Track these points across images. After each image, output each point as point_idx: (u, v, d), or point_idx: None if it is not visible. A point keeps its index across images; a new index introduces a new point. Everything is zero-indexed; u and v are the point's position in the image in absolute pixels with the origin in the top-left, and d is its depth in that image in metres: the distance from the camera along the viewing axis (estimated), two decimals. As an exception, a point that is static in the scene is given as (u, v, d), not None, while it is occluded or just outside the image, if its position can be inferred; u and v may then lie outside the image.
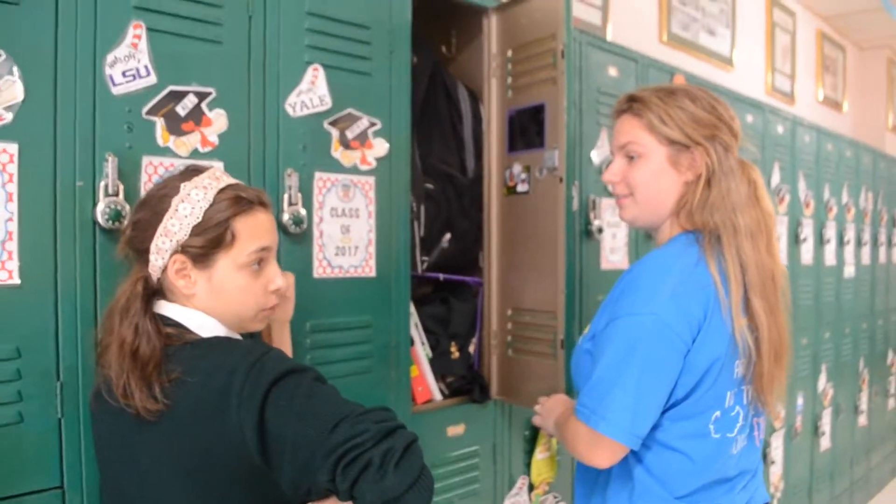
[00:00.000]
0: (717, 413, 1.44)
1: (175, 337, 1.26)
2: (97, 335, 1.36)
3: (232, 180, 1.33)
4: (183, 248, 1.26)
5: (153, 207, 1.28)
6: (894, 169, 5.47)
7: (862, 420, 4.84)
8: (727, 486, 1.49)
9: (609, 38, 3.46)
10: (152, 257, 1.28)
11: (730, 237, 1.42)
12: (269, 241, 1.34)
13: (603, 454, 1.41)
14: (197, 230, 1.26)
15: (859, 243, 4.76)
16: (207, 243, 1.27)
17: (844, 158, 4.60)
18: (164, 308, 1.30)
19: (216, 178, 1.31)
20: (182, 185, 1.27)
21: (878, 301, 5.07)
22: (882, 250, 5.16)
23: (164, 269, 1.28)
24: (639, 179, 1.50)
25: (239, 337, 1.36)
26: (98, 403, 1.30)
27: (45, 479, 1.39)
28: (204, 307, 1.31)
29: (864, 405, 4.84)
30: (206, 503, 1.20)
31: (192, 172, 1.32)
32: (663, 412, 1.42)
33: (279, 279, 1.37)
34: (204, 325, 1.30)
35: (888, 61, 6.49)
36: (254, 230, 1.31)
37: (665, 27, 3.91)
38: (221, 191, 1.28)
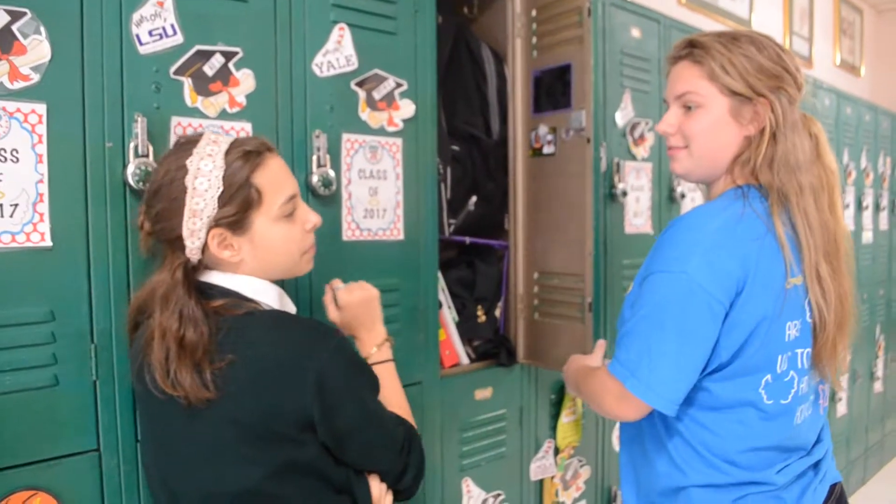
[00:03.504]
0: (768, 377, 1.36)
1: (229, 306, 1.24)
2: (127, 316, 1.35)
3: (229, 138, 1.30)
4: (217, 222, 1.24)
5: (168, 194, 1.24)
6: (913, 133, 5.40)
7: (878, 386, 4.82)
8: (781, 456, 1.42)
9: (628, -1, 3.41)
10: (188, 242, 1.24)
11: (797, 197, 1.35)
12: (293, 187, 1.33)
13: (632, 409, 1.36)
14: (223, 199, 1.23)
15: (877, 208, 4.71)
16: (239, 208, 1.25)
17: (863, 122, 4.53)
18: (214, 277, 1.29)
19: (214, 141, 1.27)
20: (187, 161, 1.23)
21: (896, 268, 5.04)
22: (901, 215, 5.11)
23: (204, 248, 1.26)
24: (696, 131, 1.41)
25: (292, 306, 1.39)
26: (141, 386, 1.28)
27: (82, 441, 1.39)
28: (254, 268, 1.30)
29: (879, 372, 4.82)
30: (260, 457, 1.21)
31: (186, 145, 1.27)
32: (708, 374, 1.36)
33: (312, 216, 1.37)
34: (258, 290, 1.30)
35: (906, 24, 6.39)
36: (275, 181, 1.29)
37: (684, -11, 3.85)
38: (227, 152, 1.25)
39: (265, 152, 1.30)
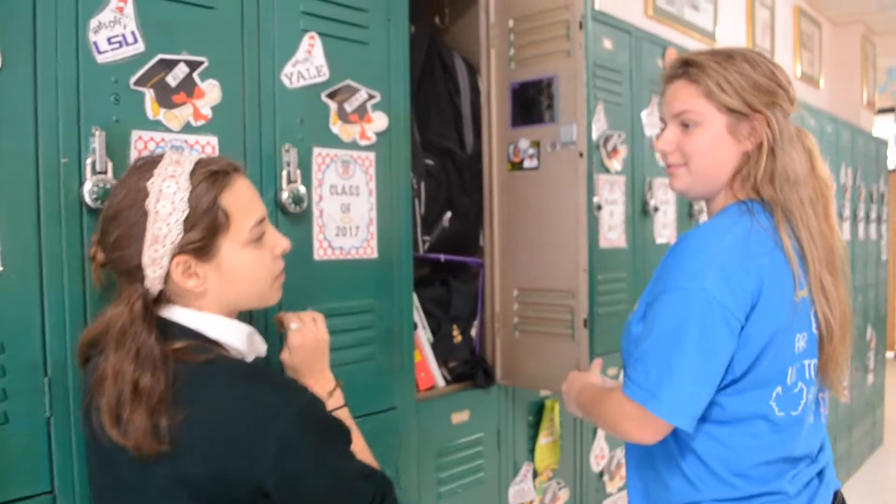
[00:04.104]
0: (779, 389, 1.38)
1: (190, 351, 1.14)
2: (78, 349, 1.24)
3: (193, 157, 1.20)
4: (181, 248, 1.14)
5: (127, 219, 1.13)
6: (871, 145, 5.46)
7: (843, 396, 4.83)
8: (791, 465, 1.43)
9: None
10: (148, 271, 1.14)
11: (799, 210, 1.37)
12: (262, 210, 1.24)
13: (651, 432, 1.36)
14: (188, 224, 1.13)
15: (840, 219, 4.74)
16: (206, 233, 1.15)
17: (825, 134, 4.57)
18: (176, 314, 1.19)
19: (176, 161, 1.17)
20: (147, 184, 1.13)
21: (857, 277, 5.06)
22: (861, 226, 5.15)
23: (166, 277, 1.15)
24: (695, 149, 1.43)
25: (262, 345, 1.29)
26: (87, 430, 1.18)
27: (34, 483, 1.27)
28: (220, 299, 1.21)
29: (845, 381, 4.84)
30: None
31: (146, 166, 1.17)
32: (720, 390, 1.36)
33: (282, 240, 1.28)
34: (224, 331, 1.21)
35: (862, 37, 6.49)
36: (243, 203, 1.20)
37: (650, 0, 3.83)
38: (192, 173, 1.15)
39: (232, 172, 1.20)
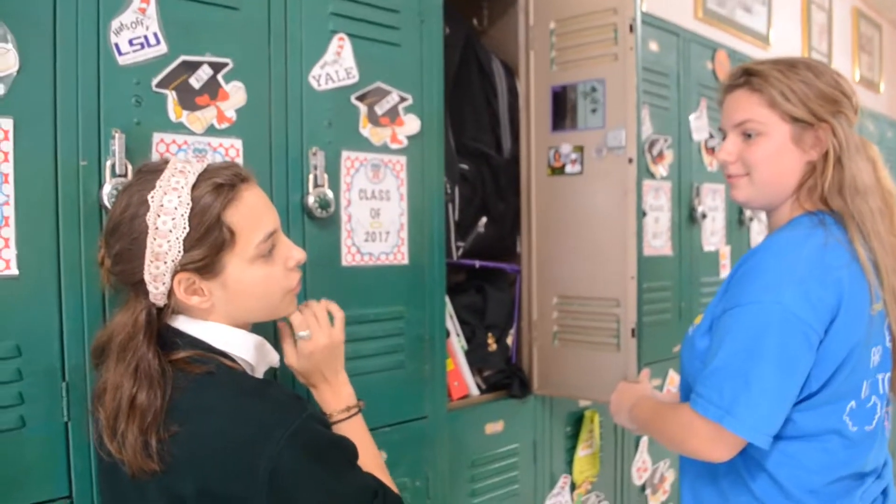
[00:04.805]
0: (853, 404, 1.37)
1: (191, 362, 1.11)
2: (92, 349, 1.21)
3: (198, 166, 1.13)
4: (183, 266, 1.09)
5: (128, 233, 1.09)
6: (935, 150, 5.26)
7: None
8: (860, 482, 1.41)
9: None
10: (151, 287, 1.10)
11: (871, 221, 1.36)
12: (272, 223, 1.17)
13: (724, 449, 1.33)
14: (189, 242, 1.08)
15: (903, 227, 4.57)
16: (209, 251, 1.10)
17: (886, 139, 4.43)
18: (182, 323, 1.15)
19: (181, 171, 1.11)
20: (149, 196, 1.08)
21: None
22: (924, 235, 4.96)
23: (170, 292, 1.12)
24: (759, 159, 1.41)
25: (274, 355, 1.25)
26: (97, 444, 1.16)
27: (52, 488, 1.26)
28: (227, 314, 1.17)
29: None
30: None
31: (148, 175, 1.11)
32: (793, 405, 1.34)
33: (295, 252, 1.21)
34: (231, 342, 1.17)
35: (925, 39, 6.27)
36: (251, 217, 1.13)
37: (700, 2, 3.74)
38: (195, 185, 1.09)
39: (239, 184, 1.13)
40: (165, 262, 1.08)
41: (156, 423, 1.05)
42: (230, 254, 1.12)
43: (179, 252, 1.08)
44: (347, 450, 1.17)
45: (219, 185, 1.11)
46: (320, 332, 1.29)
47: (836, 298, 1.30)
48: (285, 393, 1.15)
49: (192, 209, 1.08)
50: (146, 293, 1.11)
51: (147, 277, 1.09)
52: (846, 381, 1.34)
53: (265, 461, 1.03)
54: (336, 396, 1.32)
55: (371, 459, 1.27)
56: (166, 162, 1.14)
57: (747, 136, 1.42)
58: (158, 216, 1.07)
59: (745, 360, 1.30)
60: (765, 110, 1.39)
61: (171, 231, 1.07)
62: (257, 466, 1.03)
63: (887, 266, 1.36)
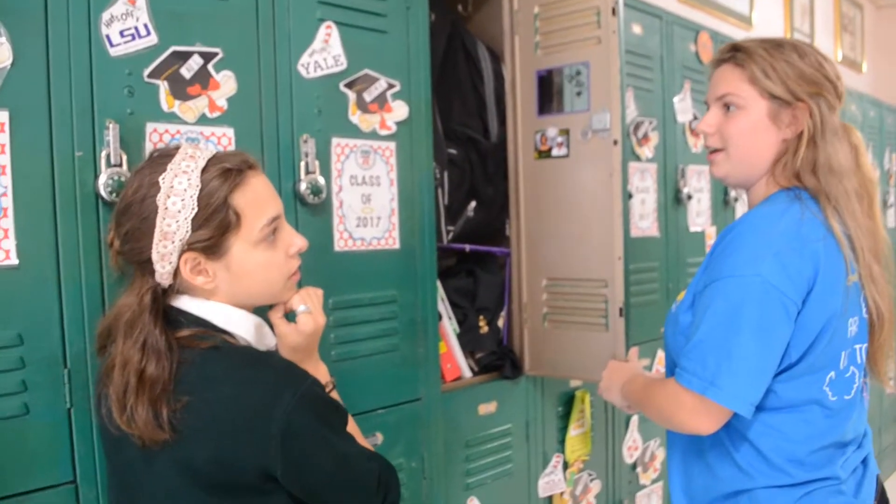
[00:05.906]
0: (832, 374, 1.39)
1: (196, 339, 1.14)
2: (96, 339, 1.24)
3: (208, 152, 1.18)
4: (190, 246, 1.13)
5: (138, 213, 1.13)
6: (917, 129, 5.31)
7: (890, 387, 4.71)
8: (841, 450, 1.44)
9: (626, -4, 3.32)
10: (158, 266, 1.13)
11: (846, 201, 1.39)
12: (276, 208, 1.21)
13: (709, 420, 1.35)
14: (197, 222, 1.12)
15: (884, 205, 4.62)
16: (215, 231, 1.13)
17: (868, 118, 4.45)
18: (185, 303, 1.18)
19: (191, 156, 1.15)
20: (160, 178, 1.12)
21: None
22: (906, 213, 5.01)
23: (176, 272, 1.15)
24: (735, 132, 1.44)
25: (271, 337, 1.27)
26: (99, 418, 1.19)
27: (57, 473, 1.29)
28: (230, 295, 1.19)
29: (891, 372, 4.71)
30: None
31: (160, 159, 1.15)
32: (774, 376, 1.36)
33: (297, 239, 1.25)
34: (232, 321, 1.20)
35: (906, 19, 6.31)
36: (256, 201, 1.18)
37: (683, -15, 3.77)
38: (205, 169, 1.14)
39: (246, 170, 1.18)
40: (173, 242, 1.12)
41: (165, 395, 1.08)
42: (235, 236, 1.15)
43: (187, 232, 1.12)
44: (344, 415, 1.23)
45: (227, 169, 1.15)
46: (319, 310, 1.32)
47: (812, 270, 1.32)
48: (285, 361, 1.20)
49: (200, 191, 1.12)
50: (152, 272, 1.14)
51: (155, 256, 1.12)
52: (825, 351, 1.37)
53: (277, 423, 1.07)
54: (317, 373, 1.34)
55: (357, 430, 1.33)
56: (178, 148, 1.17)
57: (727, 109, 1.45)
58: (168, 197, 1.11)
59: (727, 332, 1.32)
60: (745, 85, 1.42)
61: (179, 211, 1.11)
62: (269, 428, 1.07)
63: (863, 246, 1.39)
